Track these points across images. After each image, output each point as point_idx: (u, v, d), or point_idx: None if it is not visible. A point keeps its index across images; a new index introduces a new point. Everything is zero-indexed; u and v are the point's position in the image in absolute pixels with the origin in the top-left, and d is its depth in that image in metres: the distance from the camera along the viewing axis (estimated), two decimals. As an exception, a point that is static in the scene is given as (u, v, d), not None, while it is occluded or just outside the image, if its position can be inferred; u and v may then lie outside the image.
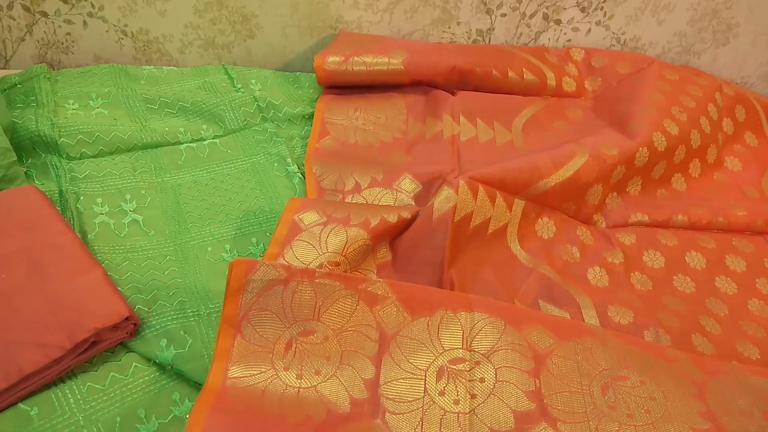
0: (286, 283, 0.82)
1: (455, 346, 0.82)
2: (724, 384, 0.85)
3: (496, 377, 0.80)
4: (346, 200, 1.13)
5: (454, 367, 0.80)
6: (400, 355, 0.81)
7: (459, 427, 0.75)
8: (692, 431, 0.77)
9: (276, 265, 0.82)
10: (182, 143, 1.25)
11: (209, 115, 1.31)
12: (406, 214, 1.02)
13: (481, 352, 0.81)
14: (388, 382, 0.79)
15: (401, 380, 0.79)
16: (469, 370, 0.80)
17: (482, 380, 0.79)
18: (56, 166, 1.13)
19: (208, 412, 0.71)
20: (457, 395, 0.78)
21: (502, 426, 0.75)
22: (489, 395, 0.78)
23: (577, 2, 1.55)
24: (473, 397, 0.78)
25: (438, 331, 0.83)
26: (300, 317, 0.81)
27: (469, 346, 0.82)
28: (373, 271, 0.98)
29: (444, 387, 0.79)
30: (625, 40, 1.64)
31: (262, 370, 0.78)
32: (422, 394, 0.78)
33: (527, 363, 0.81)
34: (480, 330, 0.83)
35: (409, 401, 0.77)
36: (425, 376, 0.80)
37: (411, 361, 0.81)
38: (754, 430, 0.79)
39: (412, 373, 0.80)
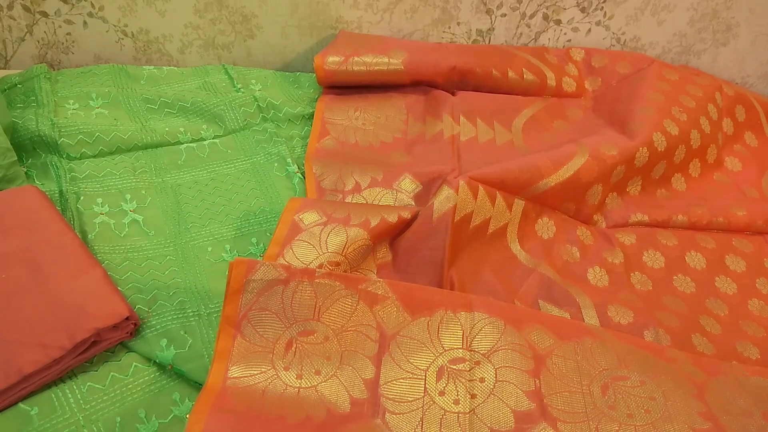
0: (286, 283, 0.82)
1: (455, 346, 0.82)
2: (724, 384, 0.85)
3: (496, 377, 0.80)
4: (346, 200, 1.13)
5: (454, 367, 0.80)
6: (400, 355, 0.81)
7: (459, 427, 0.75)
8: (692, 431, 0.77)
9: (276, 265, 0.82)
10: (182, 143, 1.25)
11: (209, 115, 1.31)
12: (406, 214, 1.02)
13: (481, 352, 0.81)
14: (388, 382, 0.79)
15: (401, 380, 0.79)
16: (469, 370, 0.80)
17: (482, 380, 0.79)
18: (56, 166, 1.13)
19: (208, 412, 0.71)
20: (457, 395, 0.78)
21: (502, 426, 0.75)
22: (489, 395, 0.78)
23: (577, 2, 1.55)
24: (473, 397, 0.78)
25: (438, 331, 0.83)
26: (300, 317, 0.81)
27: (469, 346, 0.82)
28: (373, 271, 0.98)
29: (444, 387, 0.79)
30: (625, 40, 1.64)
31: (263, 370, 0.78)
32: (422, 394, 0.78)
33: (527, 363, 0.81)
34: (480, 330, 0.83)
35: (409, 401, 0.77)
36: (425, 376, 0.80)
37: (411, 361, 0.81)
38: (754, 430, 0.79)
39: (412, 373, 0.80)
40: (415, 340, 0.82)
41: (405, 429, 0.75)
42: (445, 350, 0.82)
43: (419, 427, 0.75)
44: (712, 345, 0.99)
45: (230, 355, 0.78)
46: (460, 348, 0.82)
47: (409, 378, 0.79)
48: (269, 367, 0.78)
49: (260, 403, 0.74)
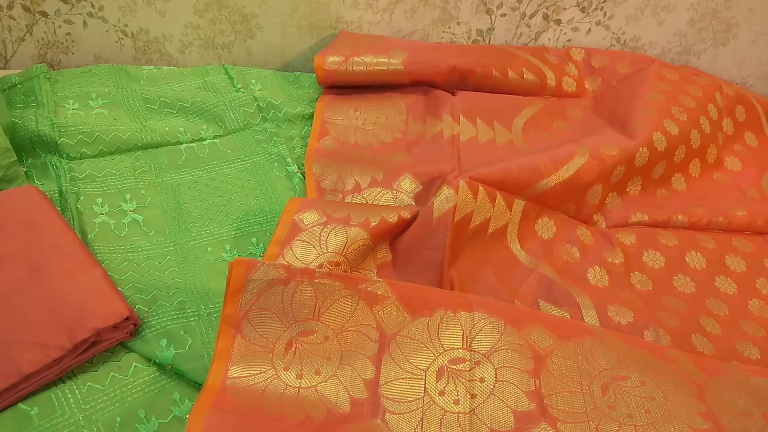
0: (286, 283, 0.82)
1: (455, 346, 0.82)
2: (724, 384, 0.85)
3: (496, 377, 0.79)
4: (346, 200, 1.13)
5: (454, 367, 0.80)
6: (400, 355, 0.81)
7: (459, 427, 0.75)
8: (692, 431, 0.77)
9: (276, 264, 0.82)
10: (182, 143, 1.25)
11: (209, 115, 1.31)
12: (406, 214, 1.02)
13: (481, 352, 0.81)
14: (388, 382, 0.79)
15: (401, 380, 0.79)
16: (469, 370, 0.80)
17: (482, 380, 0.79)
18: (56, 166, 1.13)
19: (208, 412, 0.71)
20: (457, 395, 0.78)
21: (502, 426, 0.75)
22: (489, 395, 0.78)
23: (577, 2, 1.55)
24: (473, 397, 0.78)
25: (438, 331, 0.83)
26: (300, 317, 0.81)
27: (469, 346, 0.82)
28: (373, 271, 0.98)
29: (444, 387, 0.79)
30: (625, 40, 1.64)
31: (262, 370, 0.78)
32: (422, 394, 0.78)
33: (527, 363, 0.81)
34: (480, 330, 0.83)
35: (409, 401, 0.77)
36: (425, 376, 0.80)
37: (411, 361, 0.81)
38: (755, 430, 0.79)
39: (412, 373, 0.80)
40: (415, 340, 0.82)
41: (405, 429, 0.75)
42: (445, 350, 0.82)
43: (419, 427, 0.75)
44: (712, 345, 0.99)
45: (230, 355, 0.78)
46: (460, 348, 0.82)
47: (409, 378, 0.79)
48: (269, 367, 0.78)
49: (260, 402, 0.74)
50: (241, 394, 0.75)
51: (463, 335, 0.83)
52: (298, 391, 0.76)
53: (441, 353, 0.81)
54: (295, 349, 0.79)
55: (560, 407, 0.78)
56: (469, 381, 0.79)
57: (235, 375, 0.77)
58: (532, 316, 0.88)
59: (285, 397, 0.75)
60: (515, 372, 0.80)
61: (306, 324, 0.81)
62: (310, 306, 0.82)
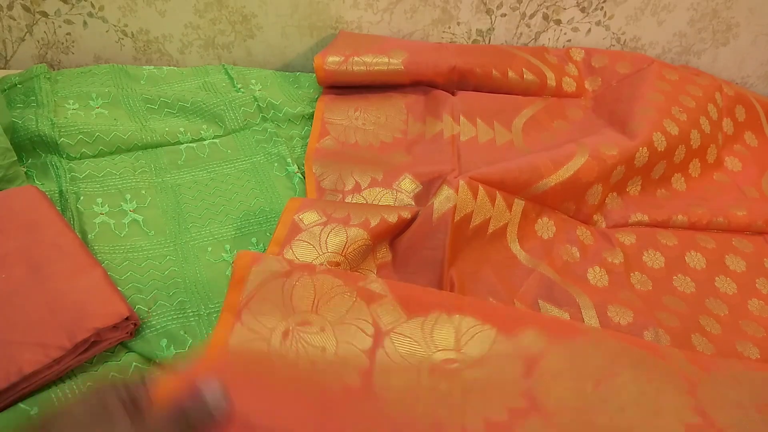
0: (288, 276, 0.82)
1: (448, 347, 0.82)
2: (718, 378, 0.85)
3: (489, 377, 0.80)
4: (346, 200, 1.13)
5: (447, 366, 0.80)
6: (394, 351, 0.81)
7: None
8: (683, 425, 0.77)
9: (280, 258, 0.84)
10: (182, 143, 1.25)
11: (209, 115, 1.31)
12: (406, 214, 1.02)
13: (474, 354, 0.82)
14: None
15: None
16: (462, 369, 0.80)
17: (475, 380, 0.79)
18: (56, 166, 1.13)
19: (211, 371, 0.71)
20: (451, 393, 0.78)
21: (495, 416, 0.76)
22: (481, 393, 0.78)
23: (577, 2, 1.55)
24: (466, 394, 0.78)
25: (432, 331, 0.83)
26: (299, 309, 0.82)
27: (462, 347, 0.82)
28: (373, 271, 0.99)
29: (436, 386, 0.79)
30: (625, 40, 1.64)
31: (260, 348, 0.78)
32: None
33: (520, 364, 0.81)
34: (475, 333, 0.83)
35: None
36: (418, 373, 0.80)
37: (405, 357, 0.81)
38: (746, 423, 0.79)
39: (405, 370, 0.80)
40: (409, 338, 0.83)
41: None
42: (438, 350, 0.82)
43: None
44: (712, 345, 0.99)
45: (228, 339, 0.79)
46: (452, 349, 0.82)
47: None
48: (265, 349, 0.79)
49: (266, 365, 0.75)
50: (242, 360, 0.76)
51: (456, 337, 0.83)
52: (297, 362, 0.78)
53: (434, 352, 0.82)
54: (292, 338, 0.80)
55: (552, 404, 0.78)
56: (461, 380, 0.79)
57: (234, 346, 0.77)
58: (526, 317, 0.88)
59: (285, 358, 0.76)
60: (507, 373, 0.80)
61: (304, 315, 0.81)
62: (309, 299, 0.82)
